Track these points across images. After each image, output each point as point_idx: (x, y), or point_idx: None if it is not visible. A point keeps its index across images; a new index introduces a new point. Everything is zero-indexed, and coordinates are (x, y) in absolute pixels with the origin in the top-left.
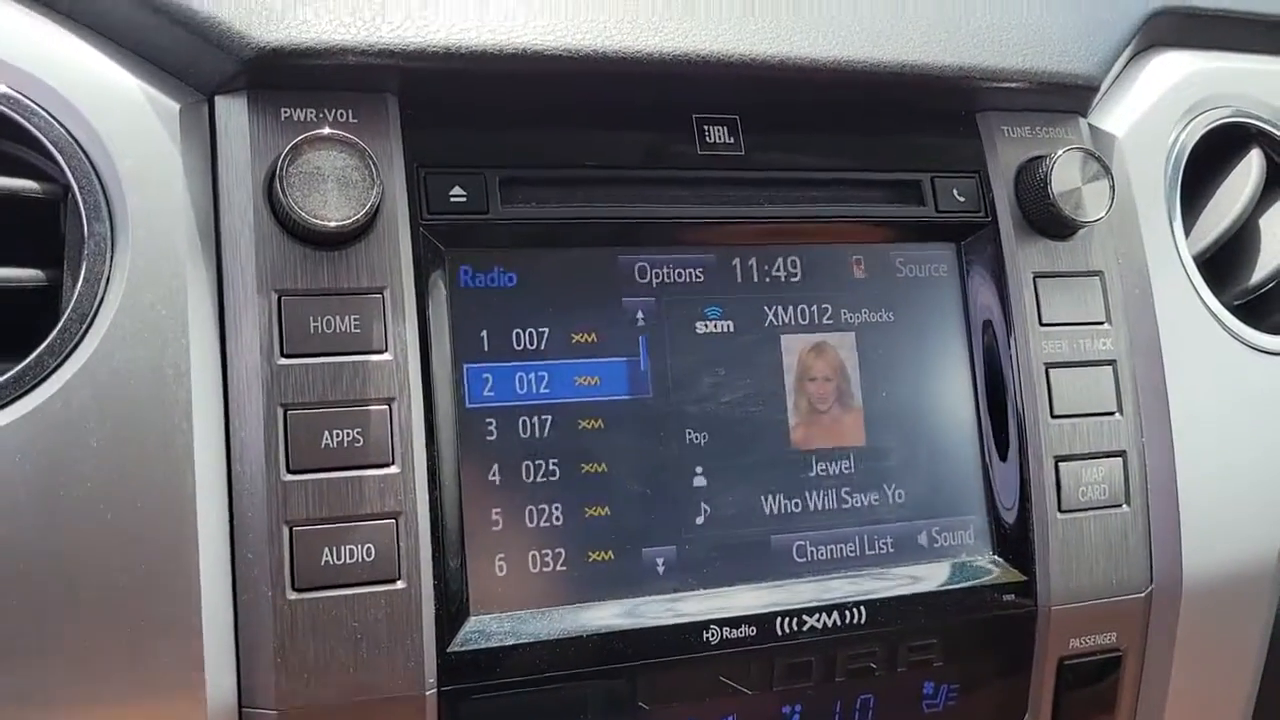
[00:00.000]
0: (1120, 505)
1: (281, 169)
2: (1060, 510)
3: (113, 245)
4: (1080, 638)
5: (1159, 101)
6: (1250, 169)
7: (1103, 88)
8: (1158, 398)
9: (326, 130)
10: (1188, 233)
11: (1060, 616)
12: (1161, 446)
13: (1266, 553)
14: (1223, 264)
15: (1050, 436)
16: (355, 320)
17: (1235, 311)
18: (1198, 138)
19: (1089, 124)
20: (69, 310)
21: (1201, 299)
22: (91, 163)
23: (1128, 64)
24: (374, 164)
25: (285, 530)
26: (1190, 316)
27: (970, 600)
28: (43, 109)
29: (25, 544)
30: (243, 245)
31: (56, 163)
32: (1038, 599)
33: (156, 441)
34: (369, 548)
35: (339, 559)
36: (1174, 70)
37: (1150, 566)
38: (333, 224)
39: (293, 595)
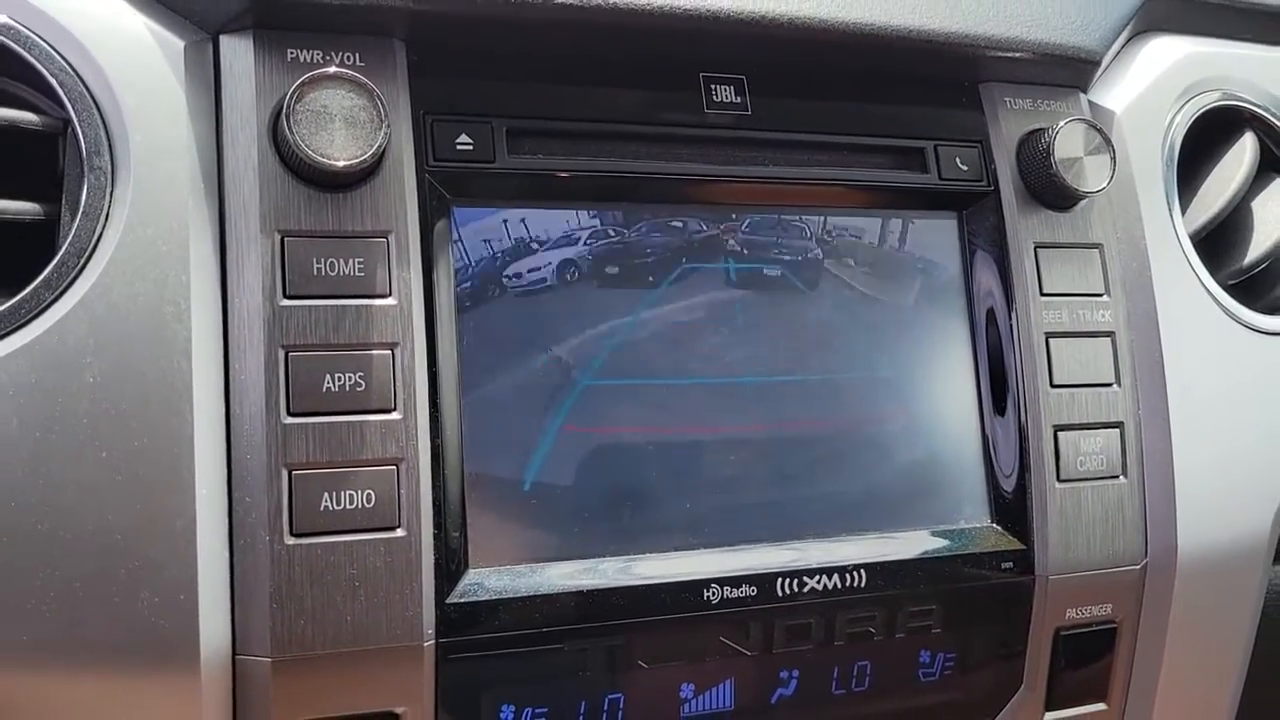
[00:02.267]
0: (1117, 476)
1: (288, 107)
2: (1059, 479)
3: (113, 180)
4: (1077, 608)
5: (1156, 82)
6: (1244, 152)
7: (1102, 65)
8: (1154, 371)
9: (334, 69)
10: (1183, 213)
11: (1058, 586)
12: (1158, 420)
13: (1259, 529)
14: (1217, 244)
15: (1049, 405)
16: (359, 264)
17: (1229, 291)
18: (1193, 119)
19: (1089, 100)
20: (66, 244)
21: (1198, 276)
22: (93, 96)
23: (1125, 45)
24: (382, 104)
25: (284, 474)
26: (1187, 293)
27: (969, 567)
28: (44, 40)
29: (16, 480)
30: (246, 185)
31: (56, 97)
32: (1035, 568)
33: (154, 380)
34: (369, 494)
35: (338, 504)
36: (1170, 53)
37: (1146, 539)
38: (340, 164)
39: (290, 541)
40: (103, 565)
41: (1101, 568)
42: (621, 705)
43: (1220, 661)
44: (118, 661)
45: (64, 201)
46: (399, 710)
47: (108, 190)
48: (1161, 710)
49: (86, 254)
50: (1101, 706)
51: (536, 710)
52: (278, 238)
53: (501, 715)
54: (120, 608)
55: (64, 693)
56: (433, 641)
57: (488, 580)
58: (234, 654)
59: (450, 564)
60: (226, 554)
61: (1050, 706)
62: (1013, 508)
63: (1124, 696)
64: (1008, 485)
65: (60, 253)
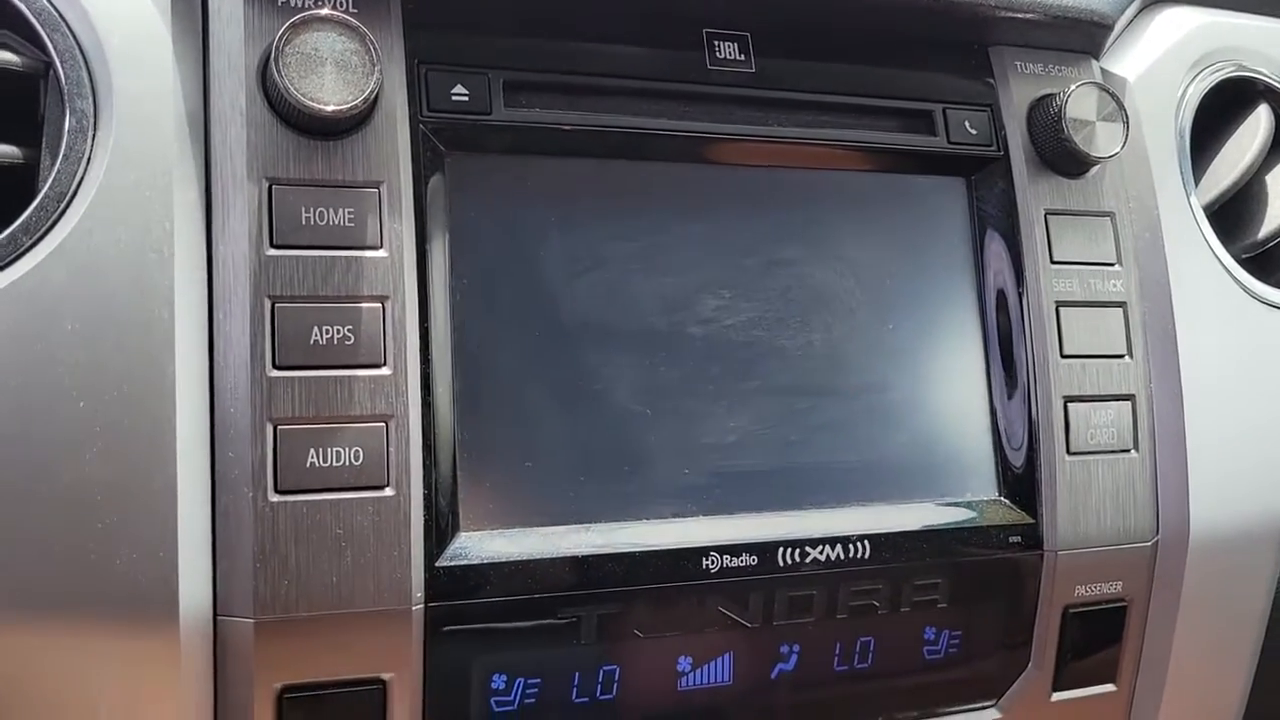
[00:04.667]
0: (1129, 450)
1: (277, 49)
2: (1069, 452)
3: (95, 124)
4: (1086, 586)
5: (1168, 51)
6: (1259, 124)
7: (1115, 32)
8: (1167, 344)
9: (325, 10)
10: (1196, 185)
11: (1067, 562)
12: (1170, 393)
13: (1274, 507)
14: (1230, 218)
15: (1060, 376)
16: (350, 214)
17: (1243, 265)
18: (1206, 90)
19: (1101, 67)
20: (46, 188)
21: (1211, 248)
22: (75, 37)
23: (1138, 14)
24: (374, 48)
25: (269, 428)
26: (1199, 265)
27: (976, 540)
28: None
29: None
30: (232, 131)
31: (37, 37)
32: (1044, 543)
33: (135, 328)
34: (357, 451)
35: (325, 461)
36: (1183, 23)
37: (1157, 516)
38: (329, 108)
39: (275, 498)
40: (79, 519)
41: (1112, 544)
42: (617, 677)
43: (1233, 641)
44: (94, 620)
45: (44, 145)
46: (386, 676)
47: (89, 134)
48: (1172, 692)
49: (66, 198)
50: (1111, 688)
51: (529, 680)
52: (265, 185)
53: (493, 684)
54: (97, 564)
55: (39, 652)
56: (421, 606)
57: (479, 544)
58: (215, 615)
59: (440, 526)
60: (208, 511)
61: (1058, 687)
62: (1021, 481)
63: (1134, 677)
64: (1016, 458)
65: (39, 196)
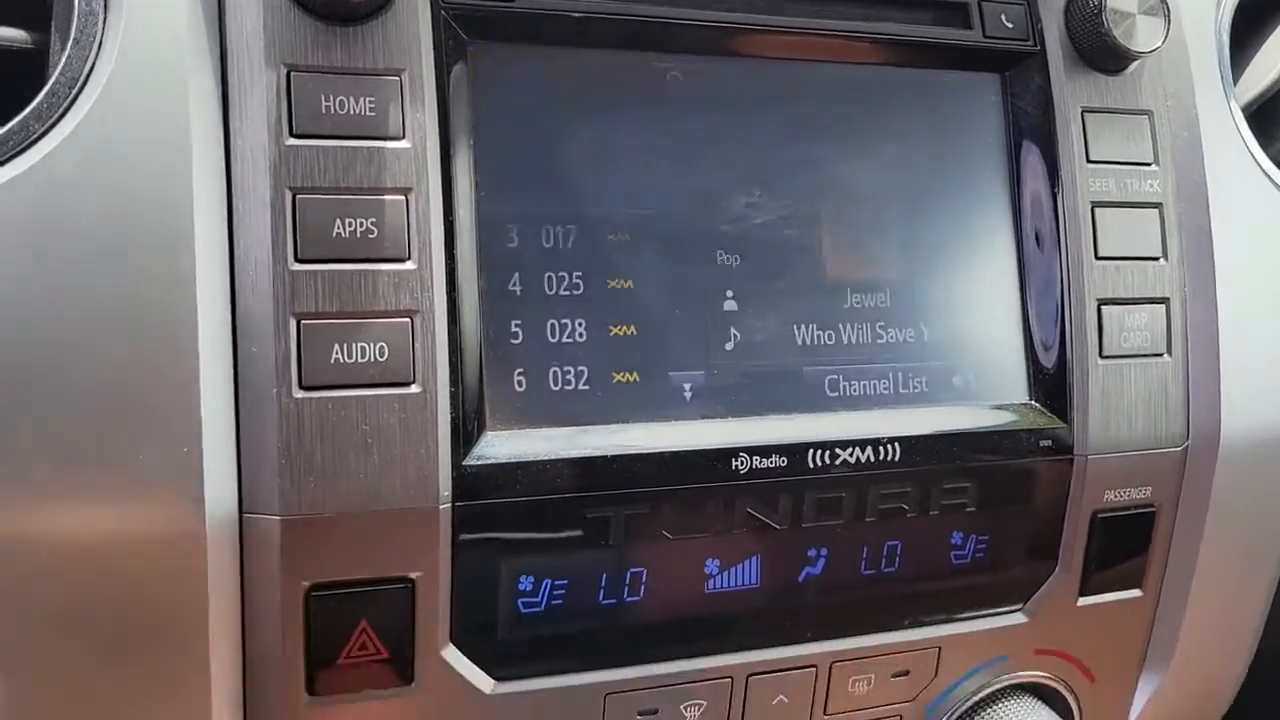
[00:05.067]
0: (1161, 354)
1: None
2: (1101, 355)
3: (106, 7)
4: (1115, 491)
5: None
6: None
7: None
8: (1202, 246)
9: None
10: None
11: (1097, 467)
12: (1204, 297)
13: None
14: (1268, 119)
15: (1094, 278)
16: (370, 103)
17: None
18: None
19: None
20: (57, 73)
21: (1249, 150)
22: None
23: None
24: None
25: (293, 323)
26: (1237, 166)
27: (1006, 444)
28: None
29: (7, 320)
30: (249, 17)
31: None
32: (1075, 447)
33: (152, 220)
34: (382, 346)
35: (350, 357)
36: None
37: (1188, 421)
38: None
39: (299, 394)
40: (102, 415)
41: (1142, 449)
42: (644, 580)
43: (1259, 550)
44: (121, 519)
45: (54, 29)
46: (413, 576)
47: (101, 17)
48: (1196, 599)
49: (78, 84)
50: (1137, 593)
51: (556, 582)
52: (283, 72)
53: (520, 586)
54: (121, 462)
55: (66, 549)
56: (449, 505)
57: (506, 443)
58: (241, 513)
59: (467, 425)
60: (232, 407)
61: (1084, 592)
62: (1052, 384)
63: (1159, 583)
64: (1048, 361)
65: (50, 82)
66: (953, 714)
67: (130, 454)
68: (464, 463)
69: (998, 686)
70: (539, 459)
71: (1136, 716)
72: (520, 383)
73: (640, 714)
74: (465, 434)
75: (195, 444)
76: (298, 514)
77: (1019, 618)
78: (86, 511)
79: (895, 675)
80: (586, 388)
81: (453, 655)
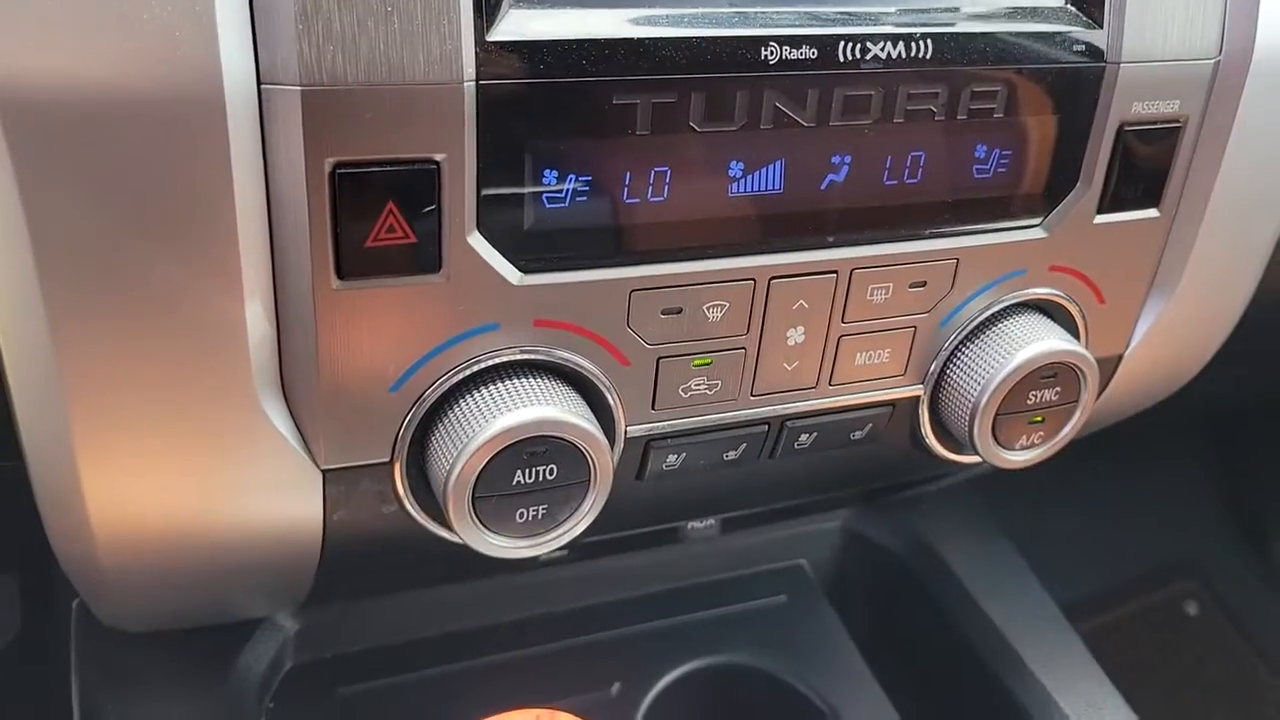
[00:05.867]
0: None
1: None
2: None
3: None
4: (1144, 102)
5: None
6: None
7: None
8: None
9: None
10: None
11: (1129, 75)
12: None
13: None
14: None
15: None
16: None
17: None
18: None
19: None
20: None
21: None
22: None
23: None
24: None
25: None
26: None
27: (1039, 47)
28: None
29: None
30: None
31: None
32: (1107, 54)
33: None
34: None
35: None
36: None
37: (1223, 32)
38: None
39: None
40: None
41: (1175, 58)
42: (668, 179)
43: (1272, 182)
44: (136, 79)
45: None
46: (438, 157)
47: None
48: (1210, 223)
49: None
50: (1154, 213)
51: (580, 176)
52: None
53: (544, 179)
54: (130, 16)
55: (86, 108)
56: (473, 83)
57: (533, 20)
58: (259, 84)
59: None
60: None
61: (1103, 209)
62: None
63: (1176, 205)
64: None
65: None
66: (965, 329)
67: (139, 6)
68: (488, 38)
69: (1010, 302)
70: (567, 38)
71: (1137, 341)
72: None
73: (664, 312)
74: (489, 8)
75: (207, 3)
76: (318, 84)
77: (1038, 233)
78: (101, 55)
79: (913, 286)
80: None
81: (479, 243)
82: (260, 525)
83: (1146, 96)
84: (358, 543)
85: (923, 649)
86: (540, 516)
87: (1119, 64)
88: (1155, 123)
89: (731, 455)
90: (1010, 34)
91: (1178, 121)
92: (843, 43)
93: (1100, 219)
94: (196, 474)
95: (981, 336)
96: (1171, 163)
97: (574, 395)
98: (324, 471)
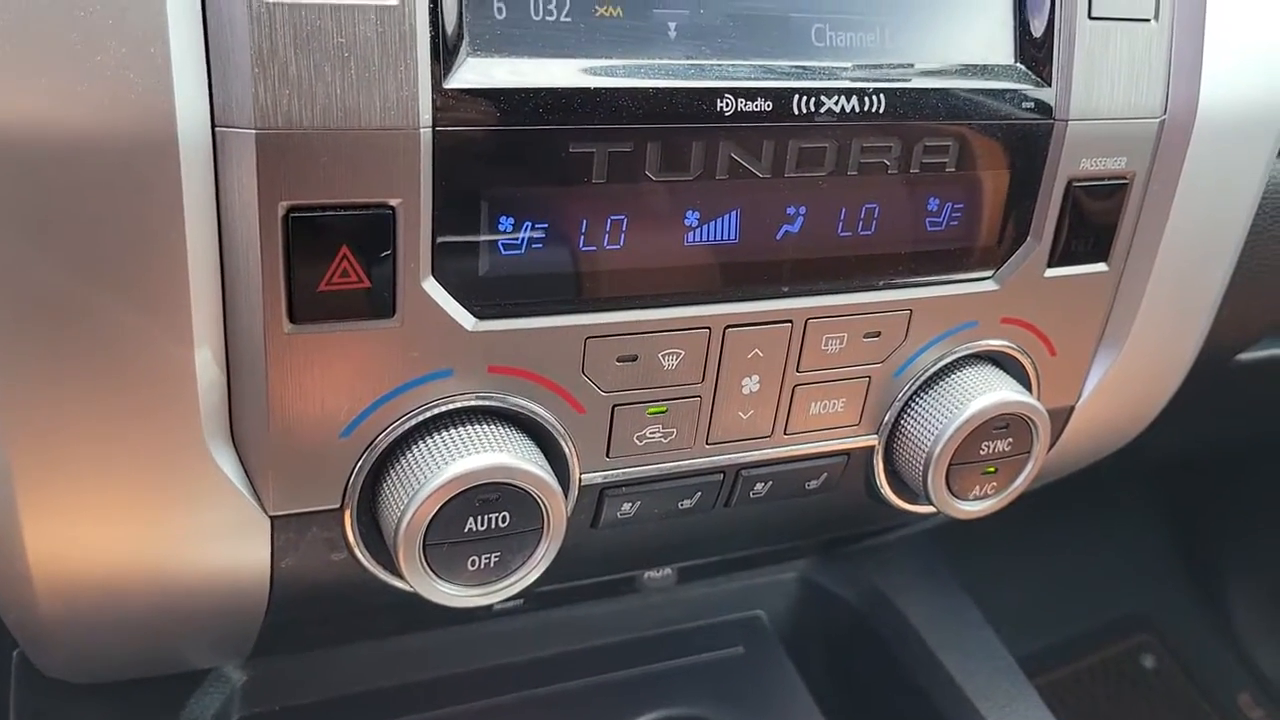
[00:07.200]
0: (1148, 19)
1: None
2: (1090, 15)
3: None
4: (1092, 159)
5: None
6: None
7: None
8: None
9: None
10: None
11: (1077, 132)
12: None
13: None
14: None
15: None
16: None
17: None
18: None
19: None
20: None
21: None
22: None
23: None
24: None
25: None
26: None
27: (990, 103)
28: None
29: None
30: None
31: None
32: (1056, 111)
33: None
34: None
35: None
36: None
37: (1168, 91)
38: None
39: None
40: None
41: (1121, 116)
42: (624, 227)
43: (1221, 230)
44: (87, 118)
45: None
46: (393, 203)
47: None
48: (1158, 276)
49: None
50: (1103, 267)
51: (536, 224)
52: None
53: (500, 226)
54: (82, 57)
55: (34, 145)
56: (430, 129)
57: (490, 68)
58: (213, 126)
59: (448, 46)
60: (199, 13)
61: (1053, 263)
62: (1039, 45)
63: (1124, 259)
64: (1037, 24)
65: None
66: (918, 379)
67: (91, 50)
68: (445, 85)
69: (963, 353)
70: (525, 87)
71: (1088, 393)
72: (500, 10)
73: (619, 360)
74: (446, 56)
75: (162, 41)
76: (273, 127)
77: (989, 285)
78: (55, 94)
79: (867, 336)
80: (569, 19)
81: (434, 288)
82: (206, 573)
83: (1094, 153)
84: (306, 591)
85: (879, 701)
86: (493, 564)
87: (1067, 121)
88: (1103, 179)
89: (686, 504)
90: (962, 90)
91: (1125, 178)
92: (797, 96)
93: (1050, 272)
94: (140, 521)
95: (935, 387)
96: (1119, 218)
97: (528, 442)
98: (272, 518)
